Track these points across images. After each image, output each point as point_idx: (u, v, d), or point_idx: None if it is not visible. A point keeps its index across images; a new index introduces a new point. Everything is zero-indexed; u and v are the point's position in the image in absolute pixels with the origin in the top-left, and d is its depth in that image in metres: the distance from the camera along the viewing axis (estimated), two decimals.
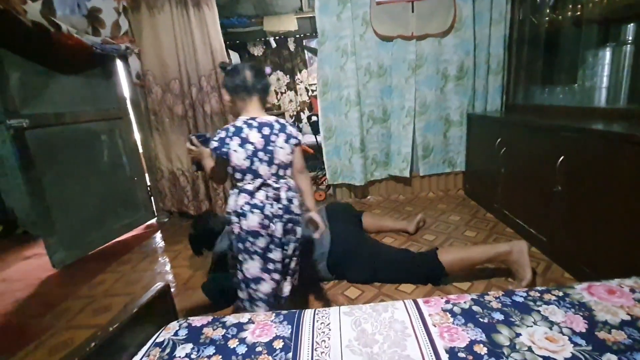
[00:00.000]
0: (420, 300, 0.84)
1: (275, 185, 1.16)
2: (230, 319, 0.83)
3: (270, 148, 1.13)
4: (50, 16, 1.78)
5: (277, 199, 1.15)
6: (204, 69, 2.48)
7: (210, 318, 0.84)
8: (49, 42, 1.88)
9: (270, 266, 1.17)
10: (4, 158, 2.56)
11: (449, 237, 2.04)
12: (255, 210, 1.11)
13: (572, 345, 0.65)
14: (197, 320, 0.84)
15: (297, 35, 4.70)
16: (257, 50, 4.83)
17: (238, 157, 1.11)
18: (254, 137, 1.12)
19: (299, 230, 1.22)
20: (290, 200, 1.17)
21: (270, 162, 1.14)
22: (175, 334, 0.80)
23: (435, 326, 0.74)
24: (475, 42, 2.50)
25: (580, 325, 0.70)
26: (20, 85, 1.93)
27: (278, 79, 4.95)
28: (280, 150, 1.14)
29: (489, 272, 1.61)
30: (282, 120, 1.18)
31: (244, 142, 1.11)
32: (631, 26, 1.65)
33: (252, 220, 1.11)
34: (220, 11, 2.55)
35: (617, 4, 1.71)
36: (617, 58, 1.72)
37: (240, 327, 0.79)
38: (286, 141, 1.15)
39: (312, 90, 4.94)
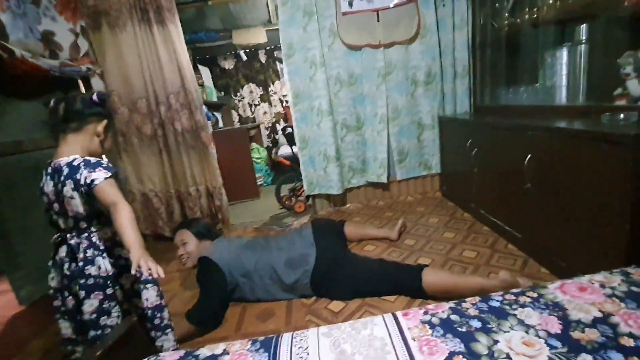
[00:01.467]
0: (399, 314, 0.82)
1: (72, 242, 1.07)
2: (204, 352, 0.79)
3: (60, 199, 1.03)
4: (2, 42, 1.69)
5: (73, 259, 1.07)
6: (172, 86, 2.43)
7: (182, 352, 0.80)
8: (3, 67, 1.79)
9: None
10: None
11: (429, 239, 2.06)
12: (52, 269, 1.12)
13: (548, 348, 0.65)
14: (168, 356, 0.79)
15: (268, 47, 4.71)
16: (228, 64, 4.81)
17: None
18: (48, 186, 1.05)
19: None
20: (88, 261, 1.06)
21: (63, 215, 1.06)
22: None
23: (414, 340, 0.73)
24: (440, 47, 2.57)
25: (555, 327, 0.70)
26: None
27: (251, 92, 4.93)
28: (71, 200, 1.02)
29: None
30: (77, 161, 1.02)
31: (41, 193, 1.07)
32: (584, 26, 1.74)
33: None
34: (188, 26, 2.53)
35: (570, 5, 1.79)
36: (573, 57, 1.79)
37: (214, 359, 0.76)
38: (74, 189, 1.00)
39: (286, 101, 4.95)
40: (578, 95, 1.76)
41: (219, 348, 0.79)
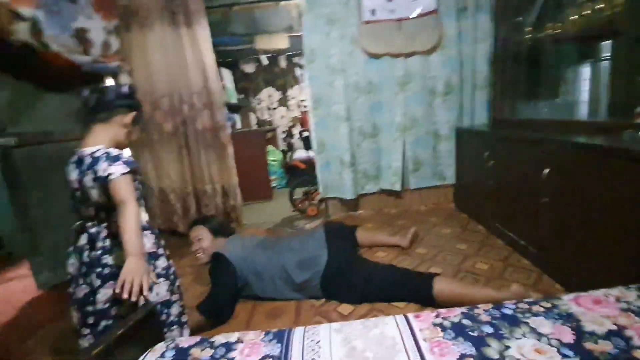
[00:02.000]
0: (410, 316, 0.83)
1: (92, 230, 1.11)
2: (219, 339, 0.81)
3: (82, 188, 1.07)
4: (39, 36, 1.79)
5: (92, 247, 1.11)
6: (196, 86, 2.50)
7: (198, 338, 0.83)
8: (38, 61, 1.89)
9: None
10: None
11: (441, 249, 2.05)
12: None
13: (560, 356, 0.65)
14: (184, 342, 0.82)
15: (289, 53, 4.79)
16: (249, 68, 4.91)
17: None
18: (72, 175, 1.09)
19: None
20: (106, 250, 1.09)
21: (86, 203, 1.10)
22: (162, 355, 0.78)
23: (425, 341, 0.73)
24: (461, 59, 2.58)
25: (568, 337, 0.70)
26: (8, 104, 1.92)
27: (270, 95, 5.02)
28: (91, 190, 1.06)
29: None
30: (99, 152, 1.05)
31: (67, 180, 1.12)
32: (607, 43, 1.73)
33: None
34: (213, 30, 2.60)
35: (593, 22, 1.79)
36: (596, 74, 1.78)
37: (228, 347, 0.78)
38: (94, 180, 1.04)
39: (304, 106, 5.01)
40: (599, 111, 1.75)
41: (233, 336, 0.81)
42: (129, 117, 1.16)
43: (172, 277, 1.23)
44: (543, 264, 1.69)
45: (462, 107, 2.68)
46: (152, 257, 1.15)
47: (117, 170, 1.01)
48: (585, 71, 1.82)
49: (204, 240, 1.85)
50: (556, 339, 0.69)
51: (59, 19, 1.96)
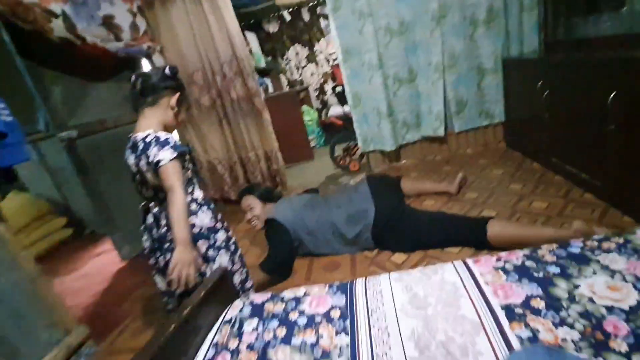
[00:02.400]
0: (469, 261, 0.84)
1: (155, 210, 1.18)
2: (287, 294, 0.89)
3: (140, 171, 1.13)
4: (74, 30, 1.85)
5: (158, 226, 1.18)
6: (225, 55, 2.49)
7: (269, 294, 0.91)
8: (78, 54, 1.98)
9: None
10: (62, 168, 2.80)
11: (493, 192, 1.98)
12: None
13: (637, 292, 0.63)
14: (258, 297, 0.91)
15: (311, 4, 4.54)
16: (273, 27, 4.74)
17: None
18: (130, 159, 1.15)
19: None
20: (169, 228, 1.13)
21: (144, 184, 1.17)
22: (241, 311, 0.88)
23: (488, 284, 0.74)
24: None
25: None
26: (63, 99, 2.07)
27: (297, 53, 4.86)
28: (147, 174, 1.12)
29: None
30: (149, 137, 1.09)
31: (126, 165, 1.17)
32: None
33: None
34: None
35: None
36: None
37: (297, 300, 0.85)
38: (148, 164, 1.08)
39: (333, 60, 4.81)
40: None
41: (300, 291, 0.88)
42: (174, 99, 1.18)
43: (232, 247, 1.28)
44: (609, 196, 1.57)
45: (509, 35, 2.41)
46: (212, 231, 1.20)
47: (165, 156, 1.05)
48: None
49: (255, 208, 1.98)
50: (632, 275, 0.67)
51: (86, 10, 2.00)
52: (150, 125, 1.15)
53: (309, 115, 4.29)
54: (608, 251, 0.74)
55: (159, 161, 1.04)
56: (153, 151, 1.06)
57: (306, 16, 4.67)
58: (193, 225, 1.17)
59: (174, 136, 1.17)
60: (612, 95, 1.39)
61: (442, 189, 2.07)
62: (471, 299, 0.72)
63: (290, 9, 4.54)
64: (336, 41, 2.56)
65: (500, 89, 2.51)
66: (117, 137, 2.36)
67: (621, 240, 0.77)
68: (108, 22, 2.16)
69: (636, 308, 0.61)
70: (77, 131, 2.05)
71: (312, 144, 4.18)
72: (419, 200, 2.09)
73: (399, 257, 1.61)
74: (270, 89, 4.22)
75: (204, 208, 1.21)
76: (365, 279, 0.87)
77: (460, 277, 0.79)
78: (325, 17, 4.55)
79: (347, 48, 2.54)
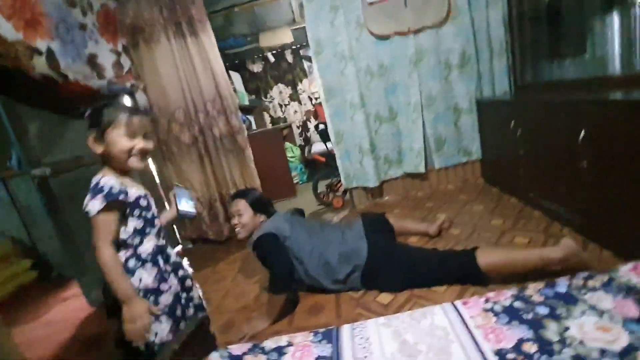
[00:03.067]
0: (458, 303, 0.81)
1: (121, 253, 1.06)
2: (269, 344, 0.83)
3: None
4: (56, 67, 1.84)
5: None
6: (209, 94, 2.52)
7: (249, 345, 0.84)
8: (59, 91, 1.96)
9: None
10: (32, 206, 2.66)
11: (475, 228, 1.99)
12: None
13: (627, 332, 0.62)
14: (236, 349, 0.84)
15: (294, 47, 4.75)
16: (257, 67, 4.91)
17: None
18: None
19: None
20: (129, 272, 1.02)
21: None
22: None
23: (478, 328, 0.72)
24: (474, 27, 2.46)
25: (633, 310, 0.66)
26: (39, 136, 2.01)
27: (280, 92, 5.00)
28: None
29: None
30: (94, 179, 0.98)
31: None
32: None
33: None
34: (217, 34, 2.60)
35: None
36: (626, 22, 1.65)
37: (280, 351, 0.79)
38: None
39: (315, 98, 4.97)
40: (634, 62, 1.62)
41: (282, 340, 0.82)
42: (115, 133, 1.00)
43: (179, 312, 1.07)
44: (587, 231, 1.61)
45: (481, 77, 2.57)
46: (153, 293, 1.02)
47: (93, 206, 0.92)
48: (614, 20, 1.69)
49: (244, 215, 1.77)
50: (620, 314, 0.66)
51: (72, 48, 2.01)
52: (104, 164, 1.03)
53: (292, 152, 4.33)
54: (594, 290, 0.74)
55: (87, 212, 0.93)
56: (86, 199, 0.95)
57: (289, 58, 4.87)
58: (163, 269, 1.06)
59: (113, 181, 0.99)
60: (582, 134, 1.46)
61: (423, 230, 2.04)
62: (462, 345, 0.69)
63: (274, 51, 4.73)
64: (319, 81, 2.65)
65: (475, 127, 2.62)
66: (93, 174, 2.30)
67: (605, 279, 0.77)
68: (92, 61, 2.17)
69: (628, 349, 0.59)
70: (51, 168, 1.97)
71: (295, 180, 4.18)
72: (403, 238, 2.07)
73: (385, 297, 1.56)
74: (254, 126, 4.27)
75: (148, 265, 1.04)
76: (352, 325, 0.83)
77: (450, 321, 0.76)
78: (308, 58, 4.76)
79: (330, 88, 2.63)
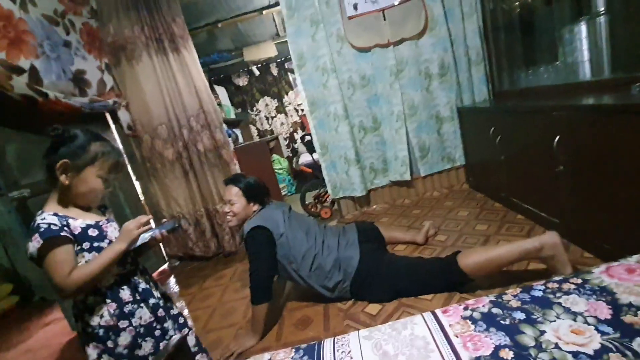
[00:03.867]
0: (438, 312, 0.82)
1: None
2: None
3: None
4: (36, 86, 1.83)
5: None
6: (192, 109, 2.52)
7: None
8: (39, 110, 1.93)
9: None
10: (10, 229, 2.59)
11: (460, 234, 2.01)
12: None
13: (600, 334, 0.63)
14: None
15: (279, 60, 4.80)
16: (242, 81, 4.93)
17: None
18: None
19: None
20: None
21: None
22: None
23: (457, 337, 0.72)
24: (451, 38, 2.53)
25: (605, 312, 0.67)
26: (17, 157, 1.97)
27: (267, 105, 5.03)
28: None
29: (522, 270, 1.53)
30: (34, 220, 0.92)
31: None
32: None
33: None
34: (201, 49, 2.62)
35: None
36: (593, 30, 1.72)
37: None
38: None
39: (301, 110, 5.01)
40: (603, 68, 1.68)
41: (263, 358, 0.81)
42: (92, 171, 0.96)
43: (142, 353, 1.00)
44: (568, 233, 1.63)
45: (460, 86, 2.63)
46: (112, 331, 0.96)
47: (33, 248, 0.87)
48: (582, 29, 1.76)
49: (236, 204, 1.67)
50: (593, 317, 0.67)
51: (58, 65, 2.00)
52: (51, 200, 0.97)
53: (280, 164, 4.33)
54: (568, 293, 0.75)
55: (31, 255, 0.88)
56: (31, 241, 0.88)
57: (274, 71, 4.91)
58: (87, 324, 0.95)
59: (47, 219, 0.91)
60: (556, 139, 1.50)
61: (410, 239, 2.05)
62: (441, 354, 0.69)
63: (259, 65, 4.77)
64: (302, 94, 2.68)
65: (458, 135, 2.67)
66: None
67: (579, 281, 0.78)
68: (79, 77, 2.16)
69: (601, 352, 0.60)
70: (30, 190, 1.93)
71: (284, 192, 4.17)
72: (390, 247, 2.08)
73: (373, 307, 1.55)
74: (240, 139, 4.27)
75: (108, 300, 0.98)
76: (334, 339, 0.82)
77: (430, 330, 0.76)
78: (293, 71, 4.81)
79: (313, 100, 2.65)
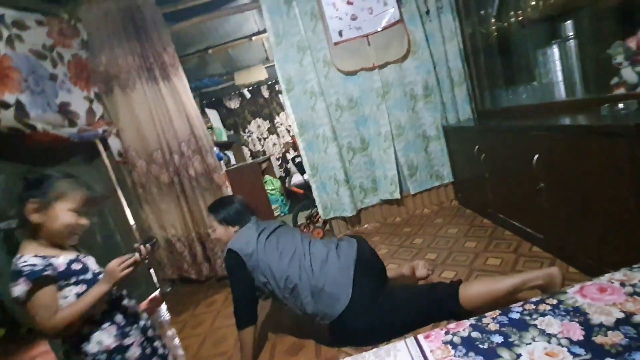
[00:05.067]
0: (420, 337, 0.82)
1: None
2: None
3: None
4: (24, 119, 1.85)
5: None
6: (183, 135, 2.56)
7: None
8: (27, 142, 1.95)
9: None
10: None
11: (450, 252, 2.03)
12: None
13: (572, 356, 0.64)
14: None
15: (269, 82, 4.90)
16: (234, 104, 5.01)
17: None
18: None
19: None
20: None
21: None
22: None
23: None
24: (433, 60, 2.63)
25: (577, 333, 0.69)
26: (5, 188, 1.97)
27: (259, 126, 5.09)
28: None
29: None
30: (12, 264, 0.94)
31: None
32: (569, 22, 1.76)
33: None
34: (192, 75, 2.68)
35: (552, 4, 1.83)
36: (564, 53, 1.81)
37: None
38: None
39: (293, 130, 5.07)
40: (575, 89, 1.76)
41: None
42: (61, 206, 0.98)
43: None
44: (553, 249, 1.67)
45: (445, 106, 2.71)
46: (118, 351, 0.99)
47: (21, 291, 0.88)
48: (555, 52, 1.85)
49: (216, 230, 1.66)
50: (566, 338, 0.69)
51: (42, 99, 2.03)
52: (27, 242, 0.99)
53: (272, 185, 4.35)
54: (544, 314, 0.77)
55: (17, 298, 0.89)
56: (11, 289, 0.89)
57: (265, 93, 5.00)
58: (84, 355, 0.97)
59: (47, 250, 0.97)
60: (535, 157, 1.55)
61: (409, 274, 1.76)
62: None
63: (250, 87, 4.86)
64: (292, 116, 2.74)
65: (445, 152, 2.73)
66: None
67: (555, 301, 0.80)
68: (64, 110, 2.18)
69: None
70: (17, 221, 1.92)
71: (277, 212, 4.18)
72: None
73: None
74: (233, 161, 4.30)
75: (105, 325, 1.01)
76: None
77: (412, 356, 0.77)
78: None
79: (302, 123, 2.71)
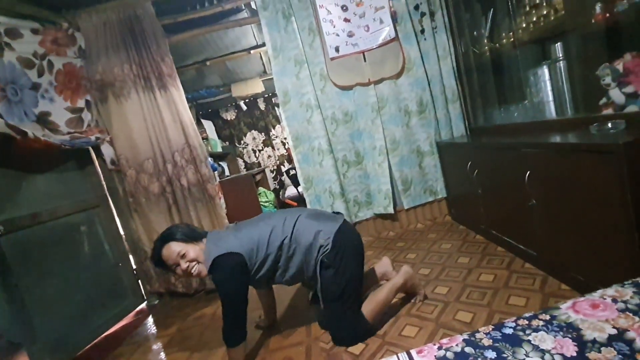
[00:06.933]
0: (413, 352, 0.81)
1: None
2: None
3: None
4: (15, 125, 1.83)
5: None
6: (177, 144, 2.54)
7: None
8: (16, 147, 1.92)
9: None
10: None
11: (443, 267, 2.02)
12: None
13: None
14: None
15: (266, 95, 4.94)
16: (230, 115, 5.03)
17: None
18: None
19: None
20: None
21: None
22: None
23: None
24: (428, 78, 2.68)
25: (571, 349, 0.68)
26: None
27: (254, 138, 5.11)
28: None
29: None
30: None
31: None
32: (559, 44, 1.82)
33: None
34: (189, 85, 2.69)
35: (542, 27, 1.89)
36: (554, 73, 1.86)
37: None
38: None
39: (288, 143, 5.09)
40: (565, 108, 1.80)
41: None
42: None
43: None
44: (545, 266, 1.67)
45: (439, 122, 2.75)
46: None
47: None
48: (545, 72, 1.90)
49: (188, 253, 1.50)
50: (559, 354, 0.68)
51: (19, 108, 2.01)
52: None
53: (266, 197, 4.33)
54: (537, 330, 0.76)
55: None
56: None
57: (262, 105, 5.04)
58: None
59: None
60: (527, 175, 1.57)
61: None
62: None
63: (247, 100, 4.89)
64: (287, 129, 2.75)
65: (438, 168, 2.76)
66: (51, 230, 2.20)
67: (547, 317, 0.80)
68: (43, 119, 2.15)
69: None
70: (3, 226, 1.88)
71: None
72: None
73: (355, 347, 1.52)
74: (227, 172, 4.29)
75: None
76: None
77: None
78: (279, 106, 4.94)
79: (297, 135, 2.72)
